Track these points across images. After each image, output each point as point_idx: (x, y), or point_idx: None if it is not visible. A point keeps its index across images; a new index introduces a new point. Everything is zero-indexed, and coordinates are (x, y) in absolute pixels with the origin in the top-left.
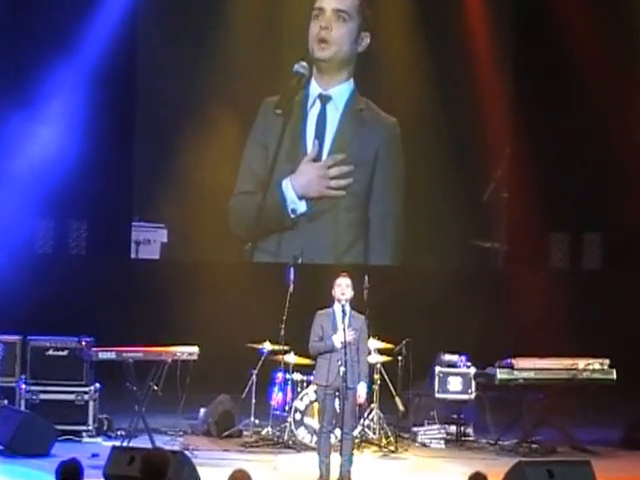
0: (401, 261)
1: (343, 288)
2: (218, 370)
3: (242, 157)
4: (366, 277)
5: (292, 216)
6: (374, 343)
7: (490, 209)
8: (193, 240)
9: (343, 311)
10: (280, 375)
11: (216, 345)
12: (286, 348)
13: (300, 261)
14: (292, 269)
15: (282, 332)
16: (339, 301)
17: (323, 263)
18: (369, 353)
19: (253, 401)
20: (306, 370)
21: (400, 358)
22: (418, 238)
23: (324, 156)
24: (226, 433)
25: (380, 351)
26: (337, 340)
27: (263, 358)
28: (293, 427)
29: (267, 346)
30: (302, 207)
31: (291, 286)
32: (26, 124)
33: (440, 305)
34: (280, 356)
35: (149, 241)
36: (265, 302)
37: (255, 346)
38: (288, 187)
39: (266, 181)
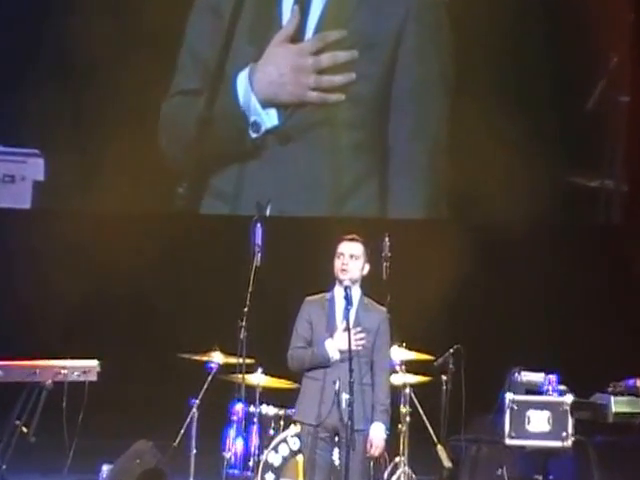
0: (445, 212)
1: (345, 260)
2: (134, 399)
3: (184, 33)
4: (386, 239)
5: (253, 135)
6: (400, 353)
7: (598, 124)
8: (91, 177)
9: (347, 298)
10: (240, 407)
11: (130, 356)
12: (250, 361)
13: (268, 213)
14: (259, 226)
15: (242, 334)
16: (340, 282)
17: (311, 216)
18: (392, 371)
19: (193, 452)
20: (283, 398)
21: (445, 378)
22: (474, 175)
23: (308, 33)
24: None
25: (410, 367)
26: (334, 347)
27: (211, 378)
28: None
29: (217, 358)
30: (270, 119)
31: (258, 255)
32: None
33: (511, 287)
34: (239, 375)
35: (13, 178)
36: (214, 283)
37: (197, 358)
38: (247, 85)
39: (217, 73)
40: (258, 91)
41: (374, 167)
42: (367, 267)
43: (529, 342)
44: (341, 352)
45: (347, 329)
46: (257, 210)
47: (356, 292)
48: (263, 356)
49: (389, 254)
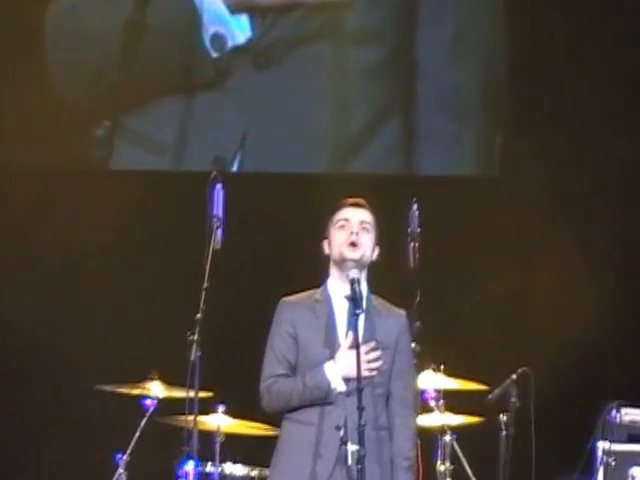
0: (502, 167)
1: (352, 228)
2: (29, 454)
3: None
4: (413, 208)
5: (214, 54)
6: (436, 380)
7: None
8: None
9: (355, 298)
10: (190, 466)
11: (21, 391)
12: (205, 395)
13: (236, 168)
14: (220, 189)
15: (194, 353)
16: (340, 266)
17: (301, 173)
18: (422, 408)
19: None
20: (255, 451)
21: (505, 419)
22: (544, 114)
23: None
24: None
25: (452, 401)
26: (337, 374)
27: (146, 421)
28: None
29: (156, 390)
30: (241, 30)
31: (217, 233)
32: None
33: (597, 276)
34: (189, 417)
35: None
36: (149, 276)
37: (125, 391)
38: None
39: None
40: None
41: (395, 101)
42: (377, 251)
43: (630, 364)
44: (347, 381)
45: (356, 345)
46: (217, 165)
47: (363, 288)
48: (225, 387)
49: (418, 229)
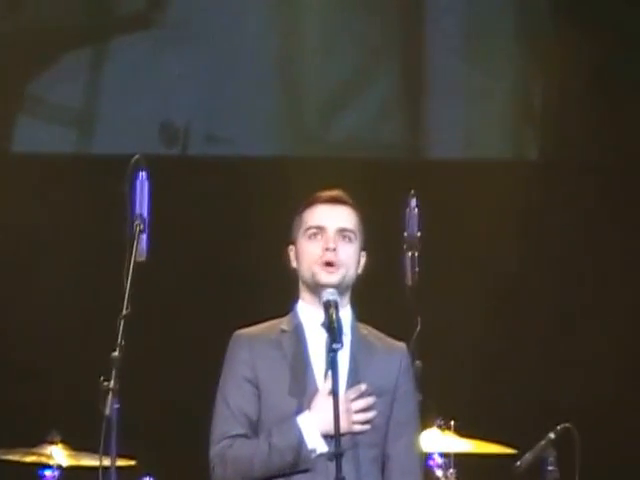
0: (536, 151)
1: (330, 240)
2: None
3: None
4: (412, 203)
5: None
6: (444, 441)
7: None
8: None
9: (331, 327)
10: None
11: None
12: (124, 464)
13: (183, 141)
14: (144, 178)
15: (110, 405)
16: (312, 289)
17: (264, 156)
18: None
19: None
20: None
21: None
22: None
23: None
24: None
25: (467, 470)
26: (315, 429)
27: None
28: None
29: (57, 456)
30: None
31: (141, 239)
32: None
33: None
34: None
35: None
36: (47, 299)
37: (16, 459)
38: None
39: None
40: None
41: (394, 47)
42: (363, 259)
43: None
44: (329, 439)
45: (333, 391)
46: (164, 135)
47: (346, 314)
48: (153, 454)
49: (418, 233)
